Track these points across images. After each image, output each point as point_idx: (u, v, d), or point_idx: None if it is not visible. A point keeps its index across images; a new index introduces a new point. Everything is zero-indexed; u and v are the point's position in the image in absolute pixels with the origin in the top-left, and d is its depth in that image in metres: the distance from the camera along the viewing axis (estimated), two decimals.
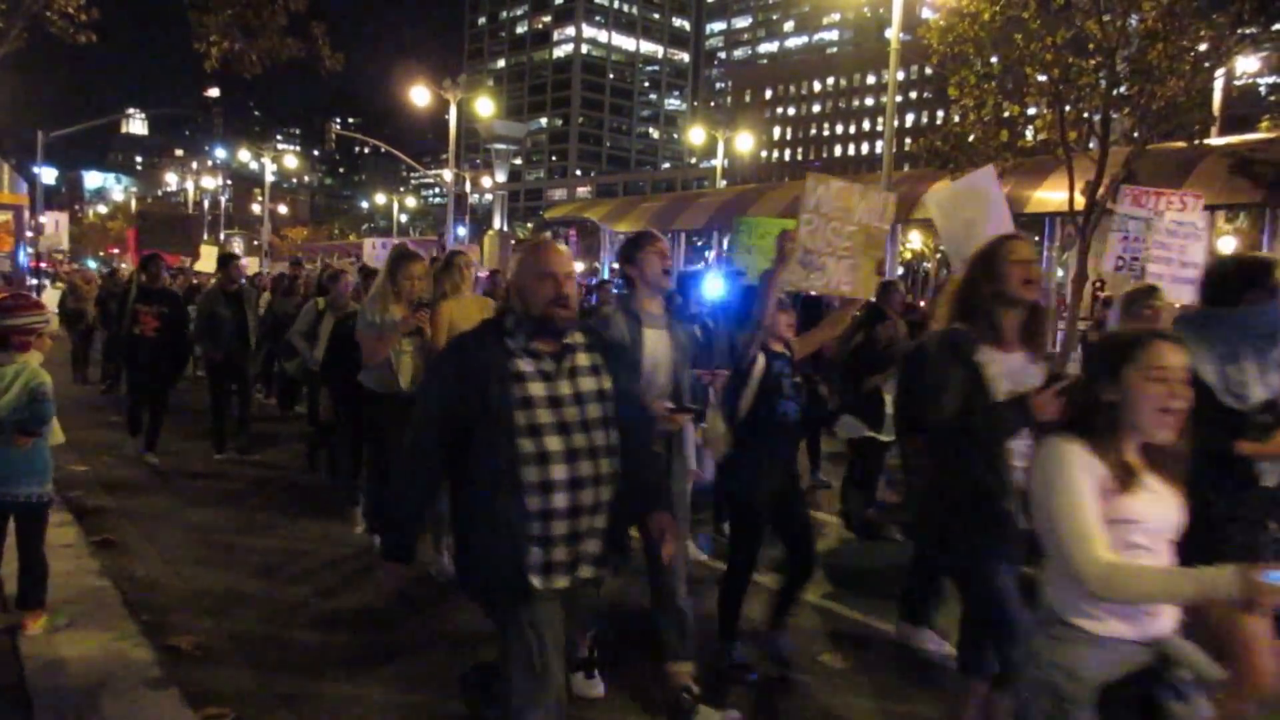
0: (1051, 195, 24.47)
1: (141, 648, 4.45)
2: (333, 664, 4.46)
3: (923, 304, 20.49)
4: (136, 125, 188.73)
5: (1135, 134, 19.14)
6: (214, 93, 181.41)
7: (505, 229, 50.59)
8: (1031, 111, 20.26)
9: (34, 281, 24.92)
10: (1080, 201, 19.36)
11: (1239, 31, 17.93)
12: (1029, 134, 20.42)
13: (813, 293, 5.98)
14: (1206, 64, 18.30)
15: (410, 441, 2.88)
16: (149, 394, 8.98)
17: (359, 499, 6.82)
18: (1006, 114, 19.45)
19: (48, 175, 39.93)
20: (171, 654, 4.40)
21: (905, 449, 5.93)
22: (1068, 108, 19.01)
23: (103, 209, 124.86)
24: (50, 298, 18.90)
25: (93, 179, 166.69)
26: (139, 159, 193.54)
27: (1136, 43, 18.41)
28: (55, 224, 35.53)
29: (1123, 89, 18.69)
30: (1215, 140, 21.82)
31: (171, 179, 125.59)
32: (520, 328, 2.86)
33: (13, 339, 4.58)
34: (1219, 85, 21.26)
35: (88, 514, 6.76)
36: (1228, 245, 40.07)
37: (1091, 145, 19.63)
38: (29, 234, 29.70)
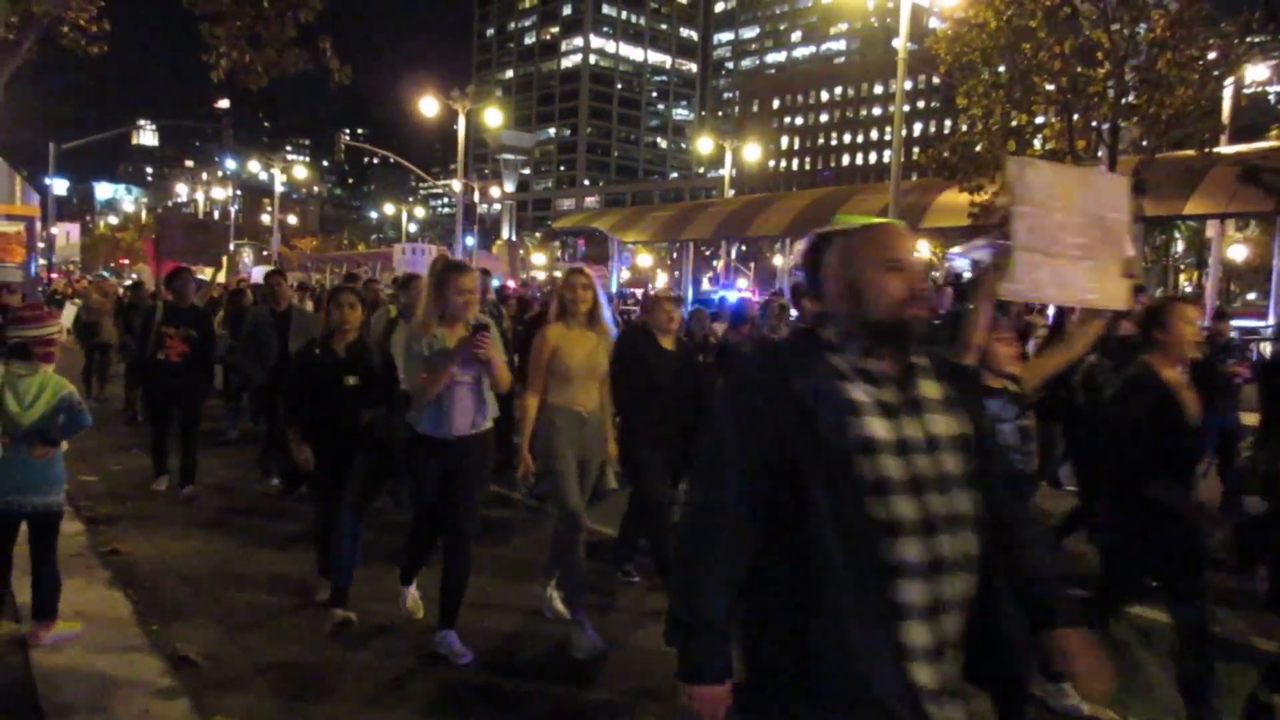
0: None
1: (152, 658, 4.45)
2: (342, 676, 4.46)
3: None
4: (147, 137, 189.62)
5: (1144, 143, 19.14)
6: (224, 104, 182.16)
7: (513, 238, 50.73)
8: (1039, 121, 20.27)
9: (42, 294, 25.00)
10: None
11: (1248, 40, 17.95)
12: (1037, 143, 20.42)
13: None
14: (1215, 72, 18.31)
15: (703, 506, 2.06)
16: (178, 423, 8.08)
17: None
18: (1014, 123, 19.47)
19: (59, 186, 40.23)
20: (182, 664, 4.40)
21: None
22: (1076, 117, 19.02)
23: (113, 220, 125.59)
24: (68, 315, 18.92)
25: (104, 190, 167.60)
26: (149, 170, 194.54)
27: (1145, 52, 18.42)
28: (67, 235, 35.80)
29: (1131, 98, 18.70)
30: (1225, 149, 21.78)
31: (182, 190, 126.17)
32: (851, 340, 2.04)
33: (35, 350, 4.63)
34: (1228, 94, 21.22)
35: (98, 524, 6.79)
36: (1238, 253, 40.01)
37: (1100, 154, 19.62)
38: (40, 245, 29.91)
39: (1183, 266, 54.50)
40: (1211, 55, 17.90)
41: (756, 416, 1.98)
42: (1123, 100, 18.67)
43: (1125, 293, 3.95)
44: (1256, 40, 18.06)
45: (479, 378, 4.72)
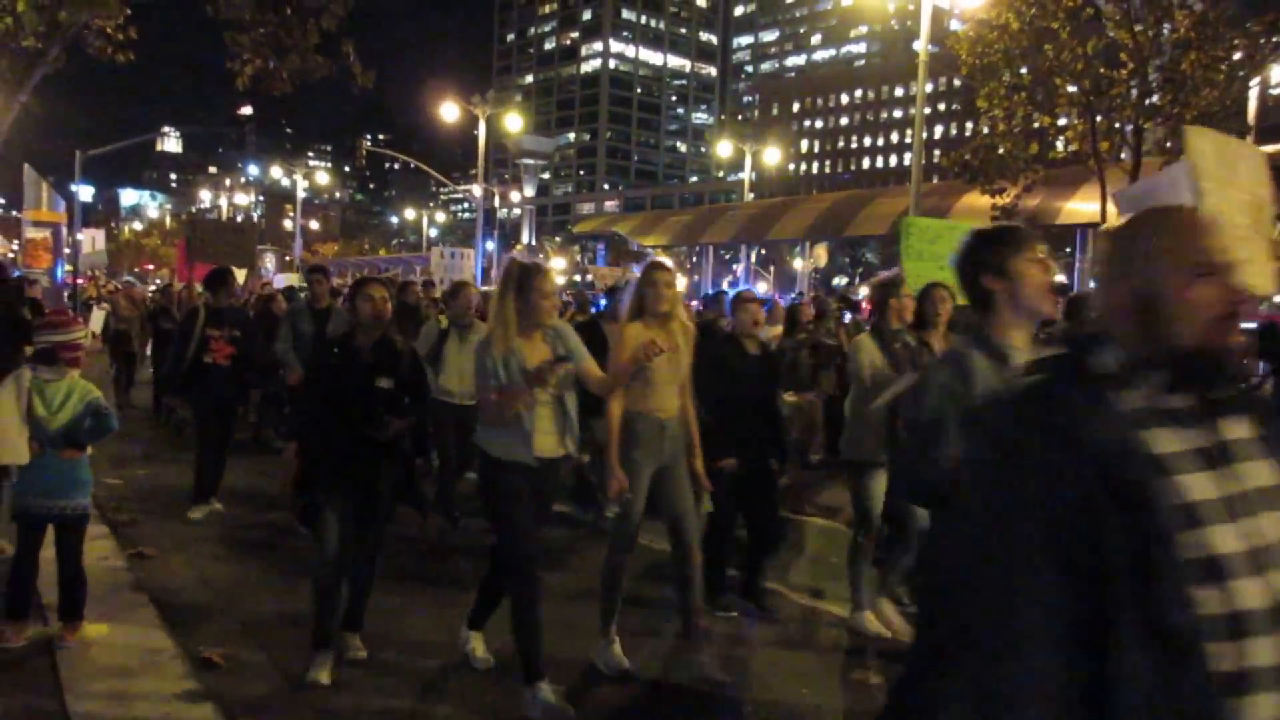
0: (1083, 206, 24.30)
1: (177, 660, 4.49)
2: (366, 678, 4.47)
3: None
4: (171, 143, 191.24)
5: (1168, 144, 18.96)
6: (247, 111, 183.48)
7: (534, 243, 50.87)
8: (1062, 122, 20.13)
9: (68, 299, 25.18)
10: (1113, 213, 19.19)
11: (1274, 40, 17.74)
12: (1060, 145, 20.27)
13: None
14: (1241, 73, 18.13)
15: (1003, 657, 1.36)
16: (219, 435, 7.62)
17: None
18: (1036, 125, 19.34)
19: (85, 193, 40.59)
20: (207, 666, 4.43)
21: None
22: (1099, 118, 18.87)
23: (138, 225, 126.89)
24: (96, 319, 18.99)
25: (129, 196, 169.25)
26: (174, 176, 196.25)
27: (1169, 52, 18.26)
28: (93, 241, 36.10)
29: (1155, 99, 18.53)
30: None
31: (205, 196, 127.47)
32: (1148, 370, 1.50)
33: (62, 355, 4.69)
34: (1254, 94, 21.00)
35: (122, 527, 6.85)
36: None
37: (1124, 156, 19.46)
38: (66, 250, 30.23)
39: None
40: (1237, 55, 17.72)
41: (1052, 490, 1.39)
42: (1146, 101, 18.51)
43: (1274, 276, 3.49)
44: None
45: (561, 399, 4.33)
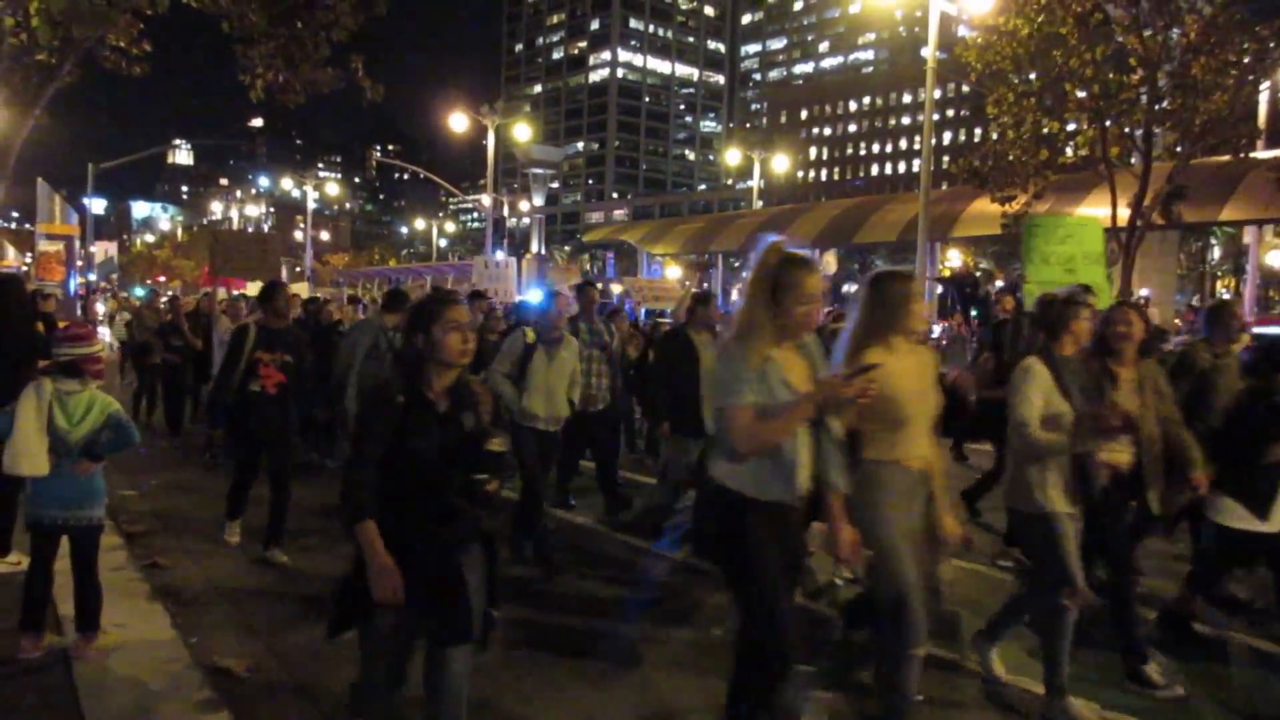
0: (1093, 212, 24.19)
1: (192, 670, 4.51)
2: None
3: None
4: (183, 156, 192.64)
5: (1179, 149, 18.92)
6: (258, 123, 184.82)
7: (543, 252, 50.95)
8: (1071, 128, 20.10)
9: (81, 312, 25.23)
10: (1124, 218, 19.15)
11: None
12: (1069, 150, 20.24)
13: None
14: (1250, 77, 18.11)
15: None
16: (267, 469, 6.71)
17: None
18: (1046, 131, 19.32)
19: (97, 206, 40.88)
20: (222, 676, 4.44)
21: None
22: (1109, 123, 18.84)
23: (150, 238, 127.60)
24: (116, 331, 18.97)
25: (140, 209, 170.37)
26: (185, 189, 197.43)
27: (1178, 57, 18.23)
28: (105, 253, 36.36)
29: (1165, 103, 18.51)
30: (1261, 154, 21.51)
31: (217, 207, 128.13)
32: None
33: (85, 367, 4.74)
34: (1264, 98, 20.95)
35: (137, 538, 6.87)
36: (1277, 259, 39.37)
37: (1134, 161, 19.43)
38: (79, 263, 30.44)
39: (1220, 273, 53.70)
40: (1246, 59, 17.68)
41: None
42: (1156, 106, 18.48)
43: None
44: None
45: (826, 427, 3.39)
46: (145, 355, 13.37)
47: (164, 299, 18.03)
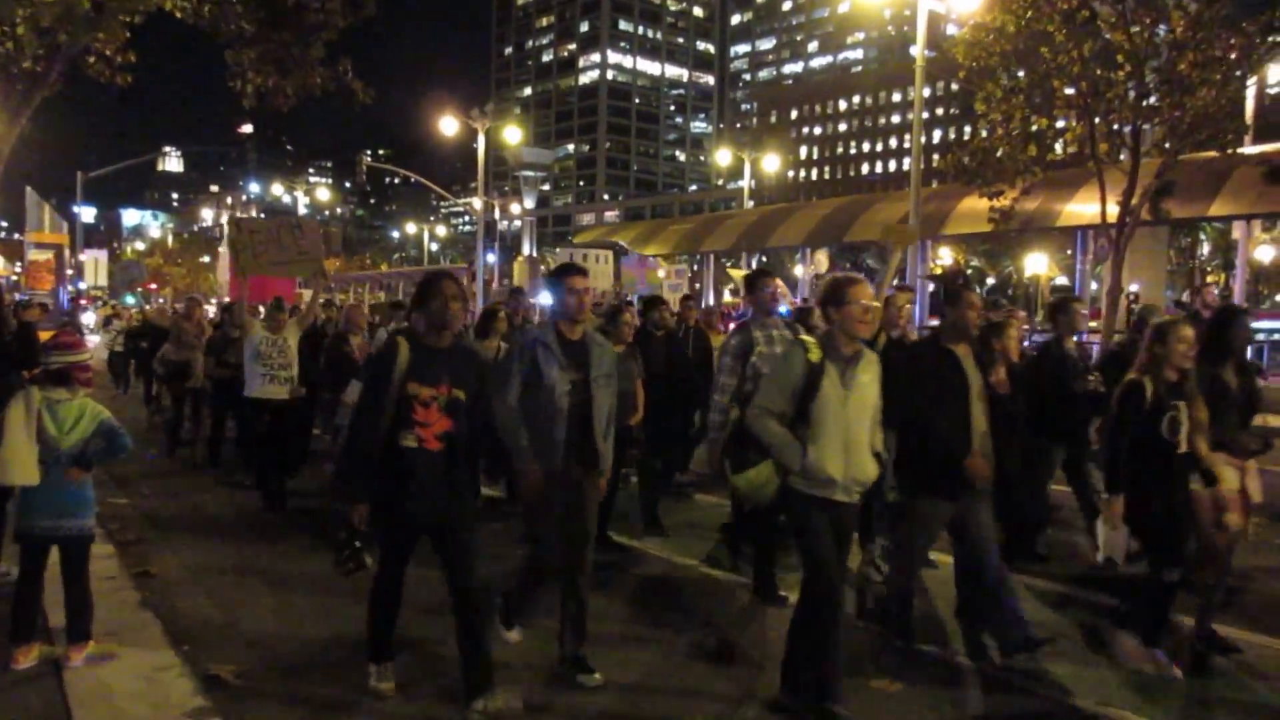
0: (1083, 209, 24.30)
1: (184, 678, 4.49)
2: (374, 697, 4.46)
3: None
4: (172, 163, 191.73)
5: (1167, 145, 18.98)
6: (248, 129, 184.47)
7: (534, 254, 50.93)
8: (1060, 125, 20.16)
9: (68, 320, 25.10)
10: (1113, 214, 19.20)
11: (1270, 39, 17.77)
12: (1058, 147, 20.29)
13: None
14: (1237, 73, 18.16)
15: None
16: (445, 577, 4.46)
17: None
18: (1035, 128, 19.36)
19: (87, 214, 40.80)
20: (214, 684, 4.43)
21: None
22: (1097, 120, 18.89)
23: (140, 245, 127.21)
24: (105, 342, 18.62)
25: (130, 217, 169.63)
26: (175, 195, 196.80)
27: (1165, 53, 18.29)
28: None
29: (1153, 100, 18.56)
30: (1249, 149, 21.59)
31: (207, 214, 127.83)
32: None
33: (76, 375, 4.73)
34: (1251, 93, 21.03)
35: (129, 546, 6.85)
36: (1266, 254, 39.56)
37: (1122, 157, 19.48)
38: (69, 272, 30.36)
39: (1209, 269, 53.91)
40: (1233, 55, 17.74)
41: None
42: (1144, 102, 18.54)
43: None
44: (1278, 40, 17.88)
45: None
46: (183, 378, 10.98)
47: (179, 304, 16.46)
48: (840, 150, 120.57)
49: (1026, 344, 10.87)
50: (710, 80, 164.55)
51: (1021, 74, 19.48)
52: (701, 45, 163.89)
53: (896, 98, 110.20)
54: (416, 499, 4.10)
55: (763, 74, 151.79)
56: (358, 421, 4.28)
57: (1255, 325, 15.65)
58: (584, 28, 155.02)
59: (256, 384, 8.26)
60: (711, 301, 37.05)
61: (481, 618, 4.24)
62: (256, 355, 8.25)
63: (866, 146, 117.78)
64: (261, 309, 8.98)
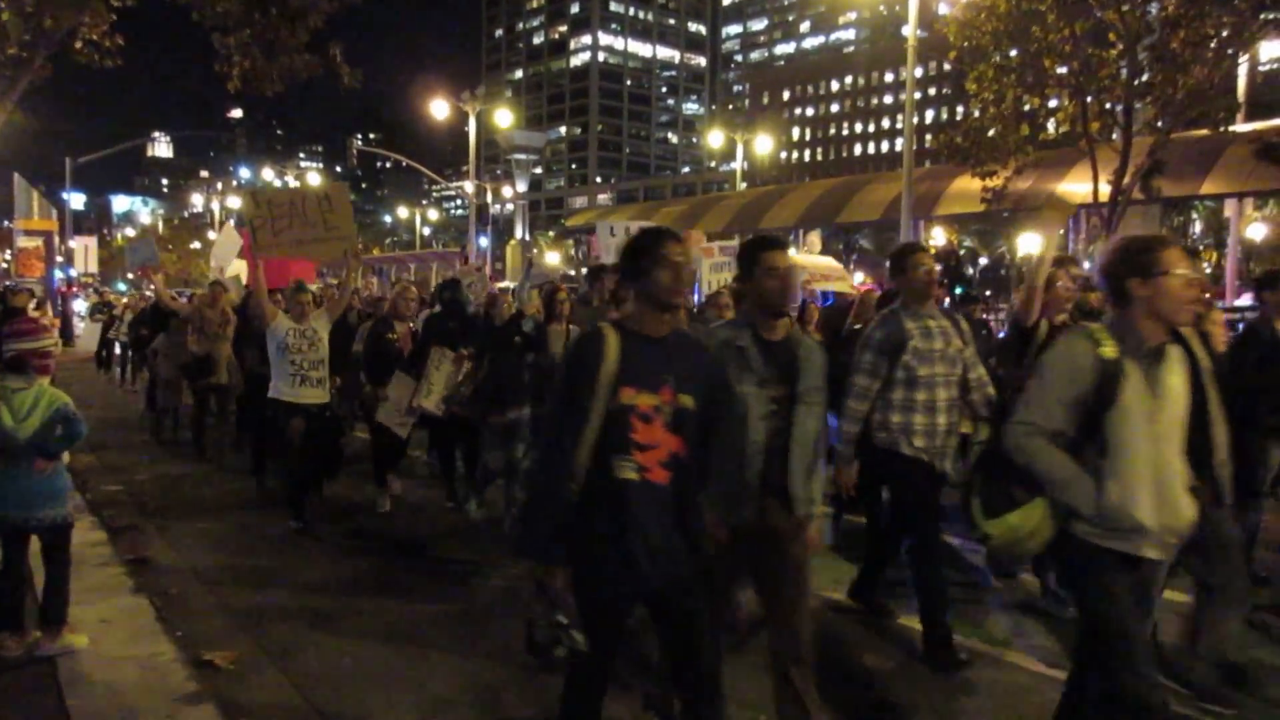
0: (1075, 187, 24.25)
1: (177, 664, 4.49)
2: (369, 677, 4.48)
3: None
4: (162, 148, 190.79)
5: (1159, 123, 18.95)
6: (237, 113, 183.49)
7: (527, 238, 50.80)
8: (1053, 104, 20.14)
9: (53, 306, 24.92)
10: (1105, 193, 19.21)
11: (1261, 17, 17.73)
12: (1050, 126, 20.28)
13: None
14: (1229, 50, 18.12)
15: None
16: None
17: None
18: (1027, 107, 19.35)
19: (76, 201, 40.54)
20: (207, 669, 4.44)
21: None
22: (1089, 99, 18.87)
23: (130, 232, 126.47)
24: (91, 331, 18.42)
25: (120, 203, 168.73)
26: (165, 182, 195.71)
27: (1157, 31, 18.25)
28: (85, 249, 36.04)
29: (1145, 78, 18.54)
30: (1240, 127, 21.60)
31: (197, 200, 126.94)
32: None
33: (32, 362, 4.66)
34: (1243, 71, 20.98)
35: (121, 533, 6.83)
36: (1258, 232, 39.64)
37: (1114, 136, 19.47)
38: (59, 259, 30.19)
39: (1202, 247, 53.99)
40: (1225, 33, 17.71)
41: None
42: (1136, 80, 18.51)
43: None
44: (1270, 17, 17.83)
45: None
46: (207, 373, 9.85)
47: (148, 292, 15.74)
48: (833, 131, 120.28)
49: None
50: (702, 61, 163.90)
51: (1013, 53, 19.44)
52: (693, 26, 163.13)
53: (889, 78, 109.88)
54: (639, 553, 2.88)
55: (755, 55, 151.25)
56: (549, 449, 3.02)
57: (1244, 304, 15.70)
58: (575, 9, 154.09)
59: (285, 384, 7.06)
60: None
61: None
62: (283, 350, 7.03)
63: (859, 127, 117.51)
64: (281, 296, 8.00)
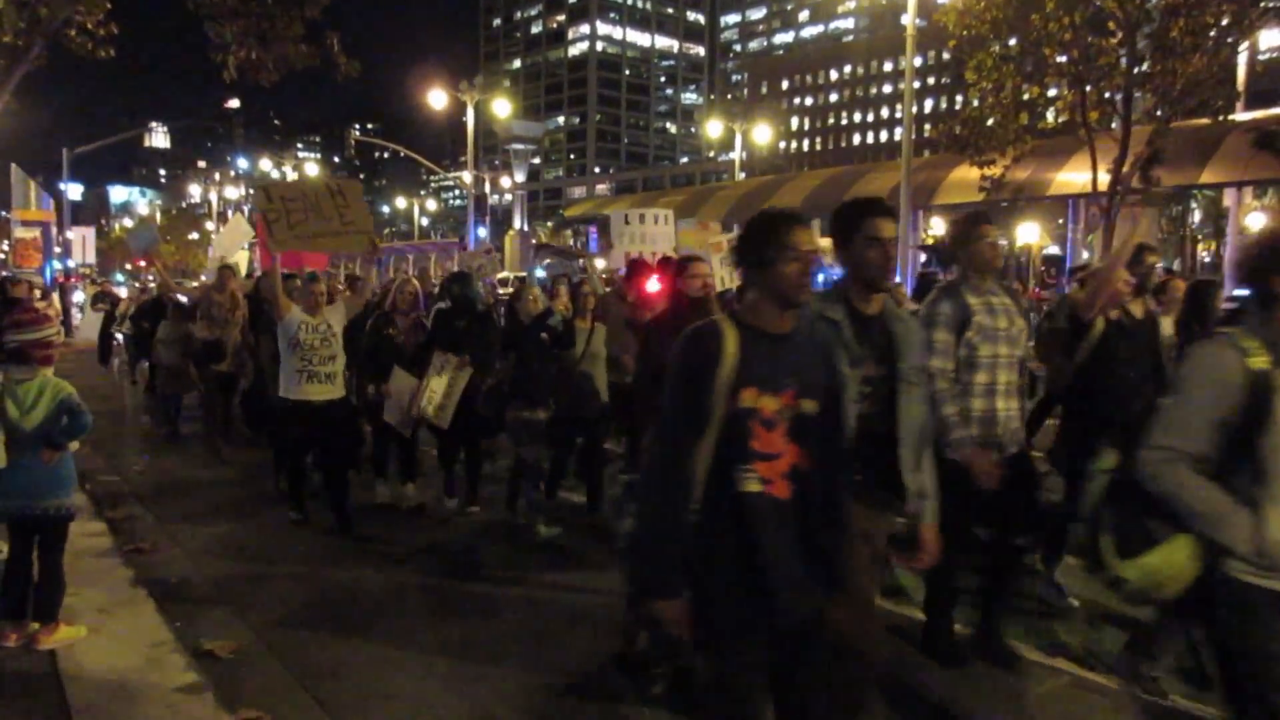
0: (1074, 177, 24.27)
1: (176, 653, 4.49)
2: (367, 666, 4.49)
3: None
4: (159, 139, 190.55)
5: (1158, 112, 18.92)
6: (234, 104, 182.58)
7: (525, 229, 50.74)
8: (1052, 93, 20.11)
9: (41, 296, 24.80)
10: (1104, 182, 19.19)
11: (1261, 5, 17.70)
12: (1049, 115, 20.25)
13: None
14: (1229, 39, 18.10)
15: None
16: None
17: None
18: (1026, 96, 19.32)
19: (73, 191, 40.40)
20: (206, 659, 4.44)
21: None
22: (1088, 87, 18.84)
23: (128, 223, 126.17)
24: (91, 321, 18.27)
25: (118, 194, 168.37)
26: (162, 172, 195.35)
27: (1157, 19, 18.21)
28: (82, 239, 35.90)
29: (1144, 67, 18.50)
30: (1240, 116, 21.58)
31: (195, 190, 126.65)
32: None
33: (34, 353, 4.65)
34: (1242, 60, 20.95)
35: (120, 523, 6.83)
36: (1256, 221, 39.64)
37: (1114, 125, 19.45)
38: (57, 249, 30.12)
39: (1200, 237, 53.96)
40: (1225, 21, 17.67)
41: None
42: (1135, 69, 18.48)
43: None
44: (1269, 5, 17.80)
45: None
46: (216, 359, 9.63)
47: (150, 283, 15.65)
48: (831, 121, 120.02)
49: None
50: (701, 51, 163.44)
51: (1013, 42, 19.40)
52: (692, 16, 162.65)
53: (888, 67, 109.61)
54: (770, 580, 2.46)
55: (753, 44, 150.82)
56: (665, 463, 2.54)
57: (1241, 293, 15.68)
58: None
59: (292, 382, 6.72)
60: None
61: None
62: (294, 346, 6.68)
63: (858, 117, 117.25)
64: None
